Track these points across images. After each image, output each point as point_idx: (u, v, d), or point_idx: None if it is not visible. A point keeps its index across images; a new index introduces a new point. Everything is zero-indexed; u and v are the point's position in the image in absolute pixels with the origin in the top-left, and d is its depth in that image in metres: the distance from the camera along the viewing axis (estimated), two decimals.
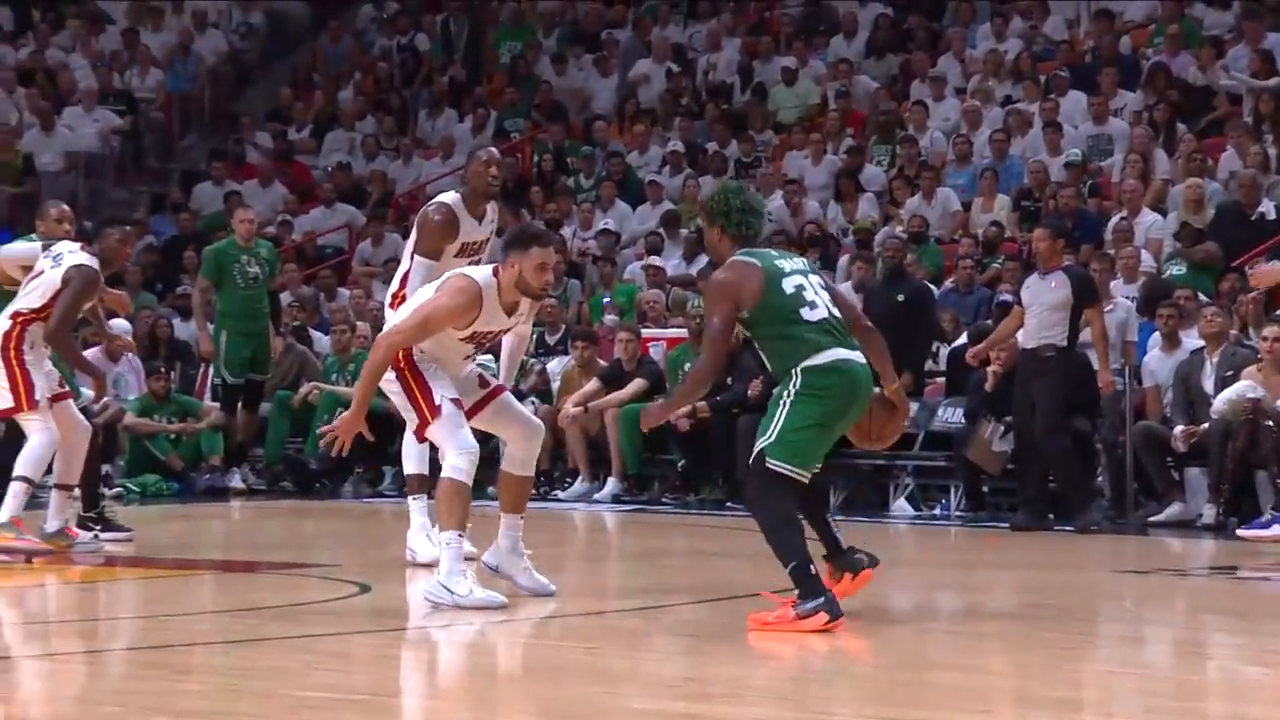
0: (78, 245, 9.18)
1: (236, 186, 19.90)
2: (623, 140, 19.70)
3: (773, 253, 6.91)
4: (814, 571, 6.55)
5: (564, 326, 15.42)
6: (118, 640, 6.83)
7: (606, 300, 16.17)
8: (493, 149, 9.17)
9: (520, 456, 7.40)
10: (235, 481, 14.40)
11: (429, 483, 8.52)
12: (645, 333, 14.49)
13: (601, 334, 15.17)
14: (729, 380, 13.01)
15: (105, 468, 14.10)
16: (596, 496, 13.64)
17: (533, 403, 14.04)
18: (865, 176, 17.41)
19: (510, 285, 7.09)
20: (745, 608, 6.83)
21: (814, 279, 6.82)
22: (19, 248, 9.52)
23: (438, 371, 7.18)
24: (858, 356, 6.75)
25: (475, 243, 8.72)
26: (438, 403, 7.08)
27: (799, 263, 6.89)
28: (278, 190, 20.05)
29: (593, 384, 13.84)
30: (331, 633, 6.66)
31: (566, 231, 17.80)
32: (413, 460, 8.88)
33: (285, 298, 16.40)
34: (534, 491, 13.87)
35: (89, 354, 12.37)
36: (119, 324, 12.68)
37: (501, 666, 6.32)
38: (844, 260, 15.55)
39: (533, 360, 14.58)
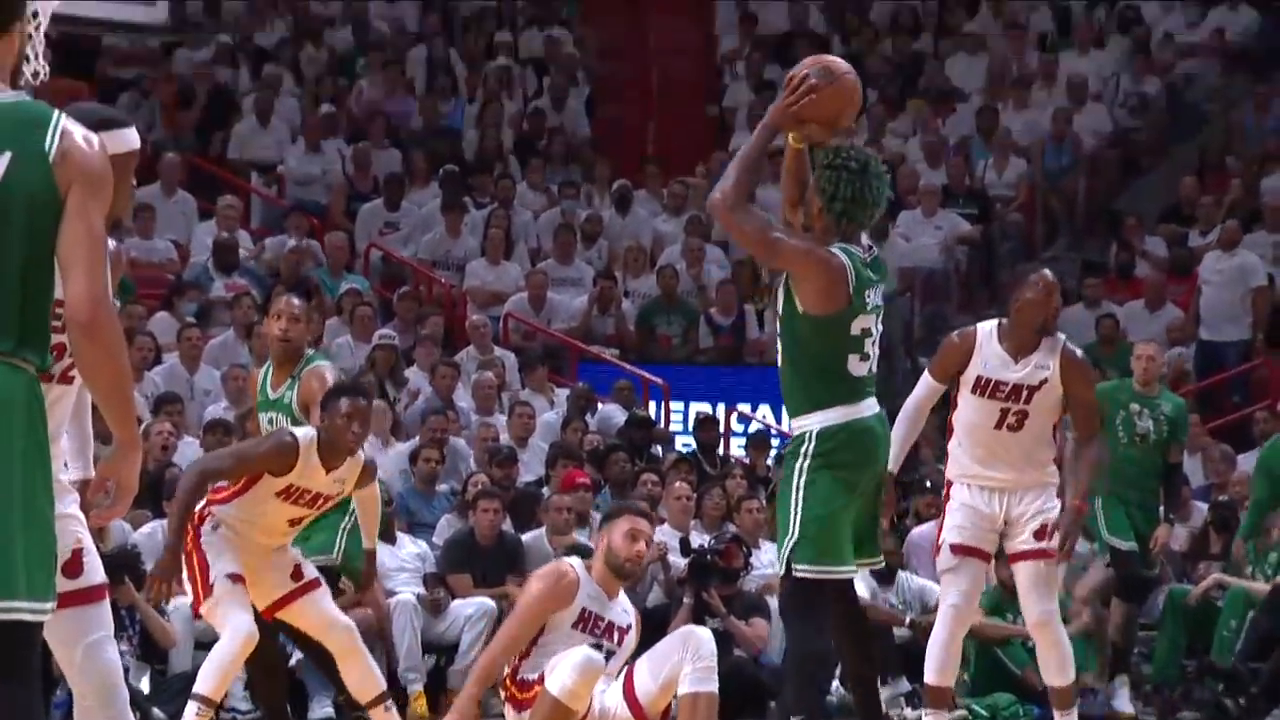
0: None
1: (1115, 309, 19.94)
2: None
3: (872, 276, 7.60)
4: None
5: None
6: None
7: None
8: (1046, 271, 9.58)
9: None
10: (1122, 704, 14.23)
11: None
12: None
13: None
14: None
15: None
16: None
17: None
18: None
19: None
20: None
21: (879, 326, 7.60)
22: None
23: None
24: (870, 411, 7.57)
25: (1006, 385, 9.09)
26: None
27: (879, 298, 7.62)
28: (1170, 313, 20.04)
29: None
30: None
31: None
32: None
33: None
34: None
35: None
36: None
37: None
38: None
39: None
